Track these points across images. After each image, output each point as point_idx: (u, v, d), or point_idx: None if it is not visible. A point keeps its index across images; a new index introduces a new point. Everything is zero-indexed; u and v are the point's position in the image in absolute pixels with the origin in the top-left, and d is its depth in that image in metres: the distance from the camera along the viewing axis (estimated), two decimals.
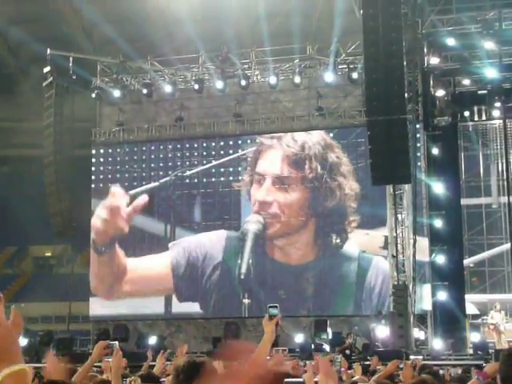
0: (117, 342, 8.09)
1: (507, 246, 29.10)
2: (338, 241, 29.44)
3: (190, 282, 30.77)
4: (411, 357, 22.89)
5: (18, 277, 47.86)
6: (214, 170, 31.75)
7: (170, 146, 32.45)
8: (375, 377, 8.66)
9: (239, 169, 31.36)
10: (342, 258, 29.37)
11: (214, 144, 31.97)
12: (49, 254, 49.73)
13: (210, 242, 30.91)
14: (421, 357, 23.23)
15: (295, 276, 29.80)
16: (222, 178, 31.49)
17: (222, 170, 31.62)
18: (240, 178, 31.14)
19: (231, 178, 31.34)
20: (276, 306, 4.95)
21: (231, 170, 31.46)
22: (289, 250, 30.08)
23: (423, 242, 27.92)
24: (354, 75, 29.60)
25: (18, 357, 2.46)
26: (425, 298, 28.00)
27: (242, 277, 29.87)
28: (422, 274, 27.97)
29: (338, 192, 29.65)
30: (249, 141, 31.42)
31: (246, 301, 29.84)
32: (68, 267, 43.59)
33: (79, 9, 40.39)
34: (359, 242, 29.38)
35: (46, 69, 31.87)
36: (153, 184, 32.21)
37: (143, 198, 31.35)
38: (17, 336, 2.47)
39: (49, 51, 31.77)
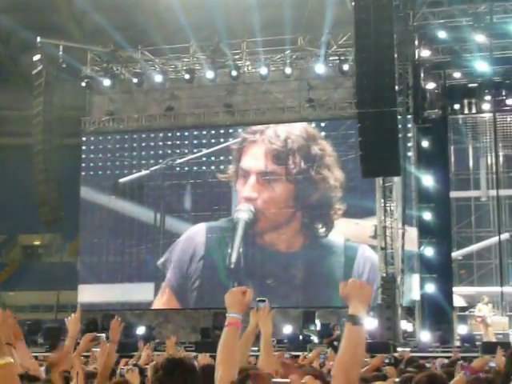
0: (103, 335, 8.14)
1: (495, 239, 29.20)
2: (324, 229, 29.70)
3: (181, 279, 30.97)
4: (398, 349, 22.98)
5: (7, 265, 47.76)
6: (204, 159, 31.71)
7: (160, 136, 32.42)
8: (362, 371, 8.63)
9: (230, 158, 31.37)
10: (328, 247, 29.55)
11: (204, 134, 31.93)
12: (38, 243, 49.60)
13: (192, 240, 30.95)
14: (408, 349, 23.31)
15: (283, 264, 29.92)
16: (213, 167, 31.49)
17: (213, 158, 31.61)
18: (225, 168, 31.21)
19: (222, 167, 31.37)
20: (264, 300, 4.94)
21: (222, 158, 31.46)
22: (277, 241, 30.17)
23: (412, 233, 28.01)
24: (345, 67, 29.60)
25: (4, 350, 2.56)
26: (413, 287, 28.08)
27: (232, 266, 29.95)
28: (411, 264, 28.05)
29: (323, 184, 29.82)
30: (240, 130, 31.43)
31: None
32: (57, 256, 43.54)
33: None
34: (349, 231, 29.50)
35: (36, 57, 31.72)
36: (143, 172, 32.22)
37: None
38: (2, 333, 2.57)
39: (39, 39, 31.64)
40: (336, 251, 29.40)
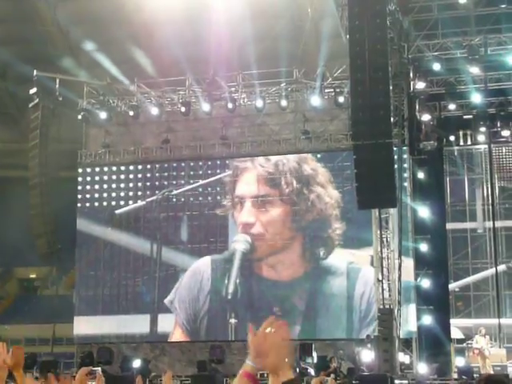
0: (99, 369, 8.07)
1: (492, 270, 29.19)
2: (324, 251, 29.58)
3: (191, 316, 30.89)
4: (396, 381, 22.88)
5: (3, 298, 47.56)
6: (200, 190, 31.69)
7: (156, 167, 32.44)
8: None
9: (225, 189, 31.39)
10: (331, 272, 29.41)
11: (200, 166, 31.95)
12: (33, 276, 49.43)
13: (199, 274, 30.89)
14: (406, 381, 23.23)
15: (283, 294, 29.81)
16: (210, 198, 31.45)
17: (210, 189, 31.60)
18: (221, 200, 31.22)
19: (218, 198, 31.35)
20: None
21: (218, 189, 31.46)
22: (277, 269, 30.11)
23: (409, 264, 27.98)
24: (341, 99, 29.72)
25: None
26: (410, 319, 27.99)
27: (229, 297, 29.87)
28: (408, 295, 27.99)
29: (318, 203, 29.83)
30: (235, 163, 31.50)
31: (233, 321, 29.77)
32: (53, 289, 43.35)
33: (66, 30, 40.46)
34: (346, 260, 29.41)
35: (33, 90, 31.81)
36: (139, 203, 32.20)
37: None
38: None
39: (35, 72, 31.74)
40: (339, 275, 29.28)
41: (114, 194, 32.65)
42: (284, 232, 30.24)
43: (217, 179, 31.53)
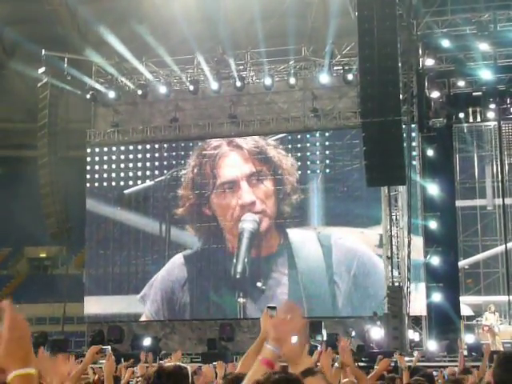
0: (109, 347, 8.09)
1: (502, 247, 29.13)
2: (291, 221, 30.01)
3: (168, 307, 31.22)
4: (406, 358, 22.88)
5: (13, 278, 47.72)
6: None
7: (165, 147, 32.42)
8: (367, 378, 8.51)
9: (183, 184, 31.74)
10: (303, 242, 29.68)
11: (209, 145, 31.86)
12: (44, 255, 49.55)
13: (172, 271, 31.13)
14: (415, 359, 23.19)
15: (268, 268, 29.93)
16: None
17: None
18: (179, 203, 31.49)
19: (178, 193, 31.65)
20: (274, 307, 4.81)
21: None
22: (260, 243, 30.26)
23: (418, 242, 27.97)
24: (349, 76, 29.60)
25: (29, 360, 2.54)
26: (419, 296, 27.99)
27: (238, 276, 29.88)
28: (417, 273, 27.98)
29: (293, 170, 30.19)
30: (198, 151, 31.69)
31: (241, 300, 29.83)
32: (63, 268, 43.46)
33: (74, 9, 40.37)
34: (354, 239, 29.46)
35: (41, 69, 31.83)
36: (148, 183, 32.22)
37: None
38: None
39: (44, 52, 31.73)
40: (313, 245, 29.42)
41: (122, 174, 32.69)
42: (275, 204, 30.42)
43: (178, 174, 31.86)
